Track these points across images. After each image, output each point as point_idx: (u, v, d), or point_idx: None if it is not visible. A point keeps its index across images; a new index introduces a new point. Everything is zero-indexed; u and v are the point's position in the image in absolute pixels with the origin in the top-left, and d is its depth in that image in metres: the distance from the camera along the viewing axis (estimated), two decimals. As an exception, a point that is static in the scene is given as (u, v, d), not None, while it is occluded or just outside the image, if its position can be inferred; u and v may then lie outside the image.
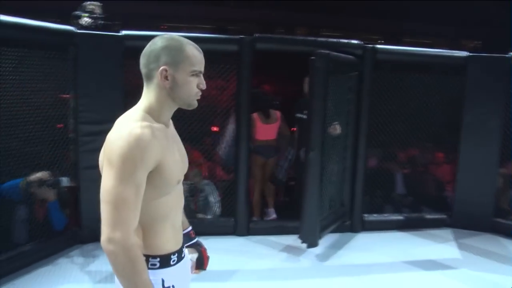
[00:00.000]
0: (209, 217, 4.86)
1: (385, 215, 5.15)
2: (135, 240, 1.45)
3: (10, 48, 3.71)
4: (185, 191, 4.63)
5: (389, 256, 4.38)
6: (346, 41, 4.73)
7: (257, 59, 4.53)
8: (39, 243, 4.00)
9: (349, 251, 4.47)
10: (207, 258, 1.97)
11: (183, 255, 1.71)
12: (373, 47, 4.73)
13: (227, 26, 14.64)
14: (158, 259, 1.59)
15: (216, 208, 4.92)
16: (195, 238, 1.95)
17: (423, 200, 5.51)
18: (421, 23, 12.61)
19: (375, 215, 5.10)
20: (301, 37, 4.91)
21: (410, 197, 5.66)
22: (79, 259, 4.03)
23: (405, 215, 5.18)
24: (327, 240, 4.65)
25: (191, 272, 1.90)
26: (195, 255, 1.92)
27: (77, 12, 4.41)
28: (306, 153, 4.08)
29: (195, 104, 1.60)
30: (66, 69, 4.18)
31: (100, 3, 4.49)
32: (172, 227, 1.64)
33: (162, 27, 16.32)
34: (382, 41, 13.45)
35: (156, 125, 1.53)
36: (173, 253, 1.64)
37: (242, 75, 4.57)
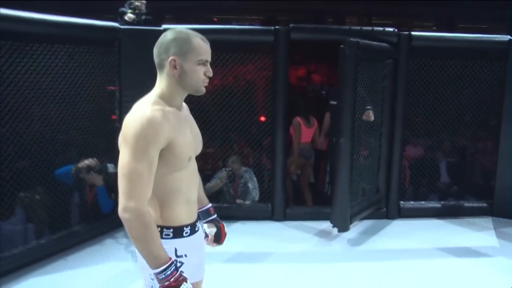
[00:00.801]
0: (247, 202, 5.05)
1: (423, 202, 5.13)
2: (148, 209, 1.62)
3: (62, 44, 4.04)
4: (224, 177, 4.89)
5: (423, 243, 4.39)
6: (380, 28, 4.74)
7: (309, 47, 4.60)
8: (88, 224, 4.35)
9: (382, 237, 4.53)
10: (225, 234, 2.10)
11: (196, 229, 1.86)
12: (408, 34, 4.71)
13: (277, 17, 14.72)
14: (172, 229, 1.76)
15: (255, 194, 5.10)
16: (214, 215, 2.09)
17: (468, 189, 5.44)
18: (476, 8, 12.14)
19: (412, 202, 5.10)
20: (335, 26, 4.97)
21: (455, 186, 5.60)
22: (123, 240, 4.33)
23: (444, 202, 5.13)
24: (361, 226, 4.73)
25: (210, 245, 2.08)
26: (213, 230, 2.07)
27: (122, 9, 4.71)
28: (336, 140, 4.17)
29: (202, 90, 1.76)
30: (112, 63, 4.49)
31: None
32: (186, 201, 1.80)
33: (214, 19, 16.67)
34: (435, 28, 13.08)
35: (168, 108, 1.71)
36: (186, 226, 1.80)
37: (277, 65, 4.70)
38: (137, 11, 4.64)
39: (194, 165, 1.85)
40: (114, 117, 4.59)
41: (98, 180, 4.37)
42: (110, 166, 4.42)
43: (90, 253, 4.09)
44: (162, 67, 1.73)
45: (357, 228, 4.66)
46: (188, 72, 1.71)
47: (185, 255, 1.78)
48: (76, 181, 4.31)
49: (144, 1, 4.76)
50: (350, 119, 4.09)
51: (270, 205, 4.93)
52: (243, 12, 16.16)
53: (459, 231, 4.74)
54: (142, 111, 1.65)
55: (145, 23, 4.60)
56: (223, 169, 5.17)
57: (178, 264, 1.74)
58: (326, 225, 4.66)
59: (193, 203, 1.85)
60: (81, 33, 4.17)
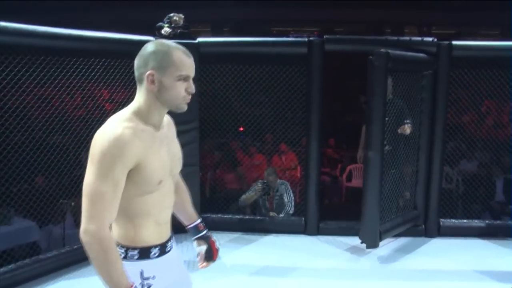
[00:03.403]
0: (281, 216, 5.01)
1: (465, 220, 4.85)
2: (109, 233, 1.54)
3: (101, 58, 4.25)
4: (258, 190, 4.91)
5: (461, 264, 4.14)
6: (419, 38, 4.57)
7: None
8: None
9: (417, 256, 4.32)
10: (217, 250, 2.00)
11: (168, 249, 1.76)
12: (449, 44, 4.50)
13: (334, 28, 14.60)
14: (138, 250, 1.67)
15: (289, 208, 5.06)
16: (203, 231, 1.99)
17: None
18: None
19: (453, 220, 4.83)
20: (371, 37, 4.84)
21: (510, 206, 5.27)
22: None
23: (488, 222, 4.82)
24: (396, 243, 4.55)
25: (200, 265, 1.99)
26: (203, 247, 1.98)
27: (160, 23, 4.87)
28: (365, 153, 4.06)
29: (183, 107, 1.66)
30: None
31: (182, 14, 4.90)
32: (156, 223, 1.71)
33: (273, 31, 16.81)
34: (500, 36, 12.42)
35: (142, 126, 1.61)
36: (155, 246, 1.70)
37: (312, 77, 4.65)
38: (173, 25, 4.78)
39: (167, 187, 1.74)
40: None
41: None
42: None
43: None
44: (140, 81, 1.64)
45: (391, 245, 4.49)
46: (167, 87, 1.60)
47: (153, 277, 1.69)
48: None
49: (182, 15, 4.90)
50: (379, 132, 3.97)
51: (303, 219, 4.86)
52: (301, 23, 16.19)
53: (504, 253, 4.42)
54: (111, 128, 1.57)
55: (180, 36, 4.73)
56: (259, 181, 5.18)
57: (145, 287, 1.67)
58: (359, 241, 4.53)
59: (164, 224, 1.76)
60: (117, 47, 4.35)
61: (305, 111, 4.77)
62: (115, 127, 1.57)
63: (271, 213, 5.02)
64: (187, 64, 1.63)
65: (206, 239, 1.99)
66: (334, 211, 5.46)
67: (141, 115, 1.63)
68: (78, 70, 4.02)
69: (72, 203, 4.32)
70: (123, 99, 4.43)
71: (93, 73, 4.16)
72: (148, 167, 1.60)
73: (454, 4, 12.04)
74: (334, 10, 14.16)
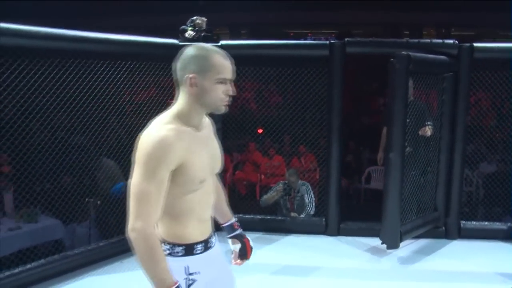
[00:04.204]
0: (302, 216, 5.06)
1: (486, 223, 4.84)
2: (154, 231, 1.61)
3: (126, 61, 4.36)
4: (280, 190, 4.97)
5: (482, 267, 4.14)
6: (440, 41, 4.59)
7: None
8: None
9: (437, 257, 4.34)
10: (251, 248, 2.05)
11: (211, 245, 1.83)
12: (470, 46, 4.51)
13: (351, 30, 14.57)
14: (183, 247, 1.74)
15: (310, 209, 5.11)
16: (237, 230, 2.05)
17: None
18: None
19: (474, 222, 4.83)
20: (392, 40, 4.85)
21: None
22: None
23: (510, 224, 4.81)
24: (416, 244, 4.57)
25: (233, 262, 2.05)
26: (237, 246, 2.04)
27: (184, 27, 4.97)
28: (386, 155, 4.09)
29: (222, 109, 1.72)
30: (172, 78, 4.73)
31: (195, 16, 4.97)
32: (198, 220, 1.78)
33: (291, 34, 16.86)
34: (520, 38, 12.25)
35: (184, 128, 1.68)
36: (198, 243, 1.77)
37: (333, 79, 4.70)
38: (197, 28, 4.87)
39: (209, 185, 1.81)
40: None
41: None
42: None
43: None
44: (181, 84, 1.70)
45: (411, 246, 4.51)
46: (207, 90, 1.66)
47: (198, 272, 1.75)
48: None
49: (204, 19, 4.98)
50: (400, 134, 4.00)
51: (324, 219, 4.91)
52: (318, 26, 16.20)
53: (526, 256, 4.41)
54: (155, 131, 1.63)
55: (204, 39, 4.81)
56: (280, 182, 5.24)
57: (190, 282, 1.73)
58: (379, 241, 4.55)
59: (205, 221, 1.83)
60: (143, 50, 4.45)
61: (326, 113, 4.81)
62: (158, 129, 1.63)
63: (292, 214, 5.07)
64: (226, 67, 1.69)
65: (240, 238, 2.05)
66: (354, 212, 5.46)
67: (182, 117, 1.70)
68: (100, 72, 4.12)
69: (98, 202, 4.43)
70: (144, 101, 4.56)
71: (118, 75, 4.26)
72: (191, 167, 1.67)
73: (472, 5, 11.94)
74: (351, 12, 14.13)
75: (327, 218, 4.88)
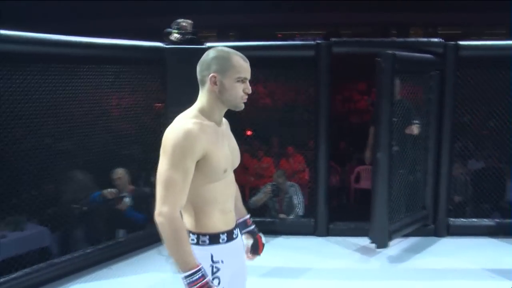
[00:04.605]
0: (291, 217, 5.04)
1: (474, 219, 4.86)
2: (179, 215, 1.73)
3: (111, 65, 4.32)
4: (268, 192, 4.94)
5: (471, 263, 4.15)
6: (425, 39, 4.61)
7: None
8: (132, 237, 4.56)
9: (426, 255, 4.34)
10: (262, 244, 2.16)
11: (234, 236, 1.93)
12: (455, 44, 4.53)
13: (340, 31, 14.60)
14: (208, 236, 1.84)
15: (299, 210, 5.09)
16: (251, 226, 2.16)
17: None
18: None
19: (462, 219, 4.85)
20: (378, 39, 4.86)
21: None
22: (165, 251, 4.48)
23: (498, 220, 4.83)
24: (405, 243, 4.57)
25: (247, 257, 2.13)
26: (250, 241, 2.13)
27: (168, 29, 4.93)
28: (373, 154, 4.09)
29: (241, 106, 1.87)
30: (158, 81, 4.71)
31: (190, 20, 4.95)
32: (221, 211, 1.88)
33: (278, 35, 16.85)
34: (507, 35, 12.37)
35: (206, 122, 1.82)
36: (223, 233, 1.88)
37: (320, 80, 4.69)
38: (182, 31, 4.84)
39: (230, 177, 1.94)
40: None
41: (122, 206, 4.55)
42: (126, 200, 4.59)
43: (133, 263, 4.28)
44: (203, 83, 1.84)
45: (400, 245, 4.51)
46: (227, 88, 1.81)
47: (222, 261, 1.85)
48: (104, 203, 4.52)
49: (190, 21, 4.96)
50: (387, 133, 4.00)
51: (313, 220, 4.89)
52: (306, 27, 16.21)
53: (514, 252, 4.43)
54: (181, 124, 1.77)
55: (190, 42, 4.79)
56: (268, 183, 5.22)
57: (215, 270, 1.83)
58: (369, 241, 4.55)
59: (228, 212, 1.93)
60: (127, 54, 4.42)
61: (313, 114, 4.80)
62: (184, 123, 1.78)
63: (281, 215, 5.06)
64: (245, 67, 1.85)
65: (253, 234, 2.15)
66: (343, 212, 5.45)
67: (204, 113, 1.84)
68: (82, 77, 4.08)
69: (84, 208, 4.39)
70: (128, 106, 4.53)
71: (101, 80, 4.23)
72: (214, 157, 1.80)
73: (459, 4, 12.03)
74: (339, 13, 14.16)
75: (316, 219, 4.87)
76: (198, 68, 1.85)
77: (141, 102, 4.66)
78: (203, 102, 1.85)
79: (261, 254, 2.16)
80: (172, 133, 1.75)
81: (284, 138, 5.40)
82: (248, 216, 2.17)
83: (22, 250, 4.12)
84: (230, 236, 1.90)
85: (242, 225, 2.13)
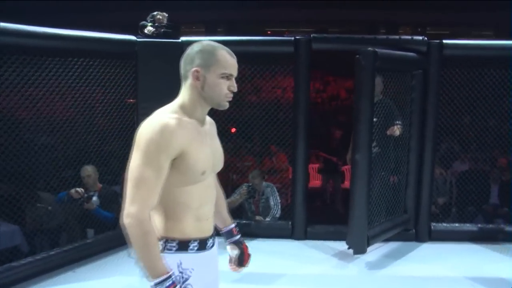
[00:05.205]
0: (268, 219, 4.86)
1: (456, 224, 4.71)
2: (148, 217, 1.57)
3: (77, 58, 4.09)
4: (243, 193, 4.73)
5: (452, 270, 4.00)
6: (408, 37, 4.45)
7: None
8: (101, 238, 4.35)
9: (406, 262, 4.18)
10: (248, 255, 2.02)
11: (207, 246, 1.76)
12: (439, 42, 4.37)
13: (329, 28, 14.47)
14: (176, 242, 1.68)
15: (276, 212, 4.91)
16: (237, 236, 2.01)
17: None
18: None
19: (444, 224, 4.70)
20: (359, 36, 4.68)
21: (505, 208, 5.13)
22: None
23: (481, 225, 4.68)
24: (385, 248, 4.41)
25: (232, 268, 2.01)
26: (235, 252, 1.99)
27: (143, 22, 4.72)
28: (352, 156, 3.91)
29: (225, 104, 1.71)
30: (129, 76, 4.49)
31: (166, 13, 4.74)
32: (196, 217, 1.71)
33: (268, 32, 16.68)
34: (494, 36, 12.31)
35: (186, 119, 1.67)
36: (194, 240, 1.70)
37: (298, 76, 4.51)
38: (156, 24, 4.63)
39: (210, 181, 1.78)
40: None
41: (89, 206, 4.34)
42: (95, 200, 4.40)
43: (99, 266, 4.07)
44: (186, 78, 1.71)
45: (380, 250, 4.35)
46: (210, 84, 1.67)
47: (192, 269, 1.69)
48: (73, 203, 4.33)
49: (165, 14, 4.74)
50: (367, 133, 3.82)
51: (290, 223, 4.72)
52: (296, 24, 16.07)
53: (497, 259, 4.28)
54: (158, 118, 1.63)
55: (164, 35, 4.57)
56: (244, 184, 5.03)
57: (185, 276, 1.68)
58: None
59: (205, 220, 1.75)
60: (96, 47, 4.19)
61: (292, 112, 4.62)
62: (161, 117, 1.63)
63: (257, 217, 4.87)
64: (231, 63, 1.70)
65: (239, 244, 2.01)
66: (322, 215, 5.29)
67: (185, 109, 1.69)
68: (55, 70, 3.87)
69: (49, 207, 4.18)
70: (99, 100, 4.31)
71: (70, 73, 4.01)
72: (192, 157, 1.64)
73: (448, 4, 11.92)
74: (328, 10, 14.05)
75: (294, 222, 4.70)
76: (181, 62, 1.72)
77: (111, 97, 4.43)
78: (184, 98, 1.71)
79: (247, 266, 2.02)
80: (148, 127, 1.61)
81: (266, 136, 5.14)
82: (233, 225, 2.02)
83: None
84: (202, 245, 1.73)
85: (227, 235, 2.00)
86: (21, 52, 3.64)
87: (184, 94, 1.71)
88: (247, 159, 6.84)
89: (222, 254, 1.89)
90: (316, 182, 7.27)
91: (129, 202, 1.57)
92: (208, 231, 1.77)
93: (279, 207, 4.92)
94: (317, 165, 7.25)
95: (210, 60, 1.66)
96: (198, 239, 1.72)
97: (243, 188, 4.92)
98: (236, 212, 4.98)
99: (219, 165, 1.83)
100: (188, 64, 1.69)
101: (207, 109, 1.74)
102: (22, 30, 3.57)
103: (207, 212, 1.76)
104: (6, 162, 3.71)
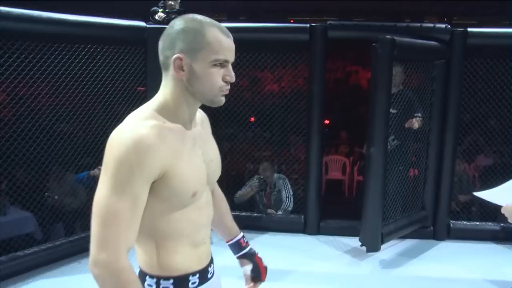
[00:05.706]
0: (279, 213, 4.72)
1: (477, 223, 4.48)
2: (126, 263, 1.19)
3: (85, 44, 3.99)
4: (255, 186, 4.60)
5: (471, 272, 3.79)
6: (430, 25, 4.20)
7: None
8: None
9: (422, 261, 3.99)
10: (264, 268, 1.67)
11: (209, 276, 1.45)
12: (463, 31, 4.13)
13: (352, 17, 14.20)
14: (172, 281, 1.34)
15: (288, 205, 4.76)
16: (246, 248, 1.66)
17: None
18: None
19: (464, 222, 4.48)
20: (378, 23, 4.45)
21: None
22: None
23: (504, 224, 4.44)
24: (401, 245, 4.23)
25: (246, 287, 1.68)
26: (248, 267, 1.67)
27: (154, 8, 4.60)
28: (366, 149, 3.73)
29: (220, 100, 1.31)
30: (138, 63, 4.38)
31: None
32: (191, 244, 1.37)
33: (291, 21, 16.47)
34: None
35: (169, 125, 1.28)
36: (193, 274, 1.38)
37: (314, 65, 4.34)
38: (167, 10, 4.50)
39: (205, 199, 1.40)
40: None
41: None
42: None
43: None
44: (166, 67, 1.29)
45: (395, 247, 4.16)
46: (199, 75, 1.26)
47: None
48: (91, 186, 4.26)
49: (177, 0, 4.61)
50: (383, 126, 3.63)
51: (303, 217, 4.56)
52: (319, 13, 15.83)
53: (519, 260, 4.06)
54: (130, 129, 1.22)
55: (175, 22, 4.44)
56: (255, 176, 4.89)
57: None
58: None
59: (201, 244, 1.41)
60: (104, 33, 4.08)
61: (306, 103, 4.45)
62: (134, 127, 1.23)
63: (269, 210, 4.73)
64: (225, 45, 1.27)
65: (250, 257, 1.66)
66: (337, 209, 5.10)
67: (167, 111, 1.29)
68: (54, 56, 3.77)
69: (56, 197, 4.11)
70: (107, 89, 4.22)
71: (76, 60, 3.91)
72: (178, 177, 1.27)
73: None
74: (352, 0, 13.82)
75: (306, 216, 4.54)
76: (159, 44, 1.30)
77: (122, 85, 4.32)
78: (165, 95, 1.29)
79: (264, 280, 1.68)
80: (117, 142, 1.20)
81: (285, 127, 4.95)
82: (241, 235, 1.66)
83: (4, 236, 3.89)
84: (203, 276, 1.40)
85: (234, 248, 1.65)
86: (26, 38, 3.54)
87: (165, 90, 1.30)
88: (265, 149, 6.69)
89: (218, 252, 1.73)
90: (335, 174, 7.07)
91: (97, 245, 1.17)
92: (207, 257, 1.45)
93: (292, 200, 4.76)
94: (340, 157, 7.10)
95: (197, 42, 1.24)
96: (198, 271, 1.39)
97: (254, 181, 4.78)
98: (247, 204, 4.86)
99: (216, 175, 1.47)
100: (168, 49, 1.27)
101: (196, 107, 1.35)
102: (26, 15, 3.47)
103: (204, 235, 1.42)
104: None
